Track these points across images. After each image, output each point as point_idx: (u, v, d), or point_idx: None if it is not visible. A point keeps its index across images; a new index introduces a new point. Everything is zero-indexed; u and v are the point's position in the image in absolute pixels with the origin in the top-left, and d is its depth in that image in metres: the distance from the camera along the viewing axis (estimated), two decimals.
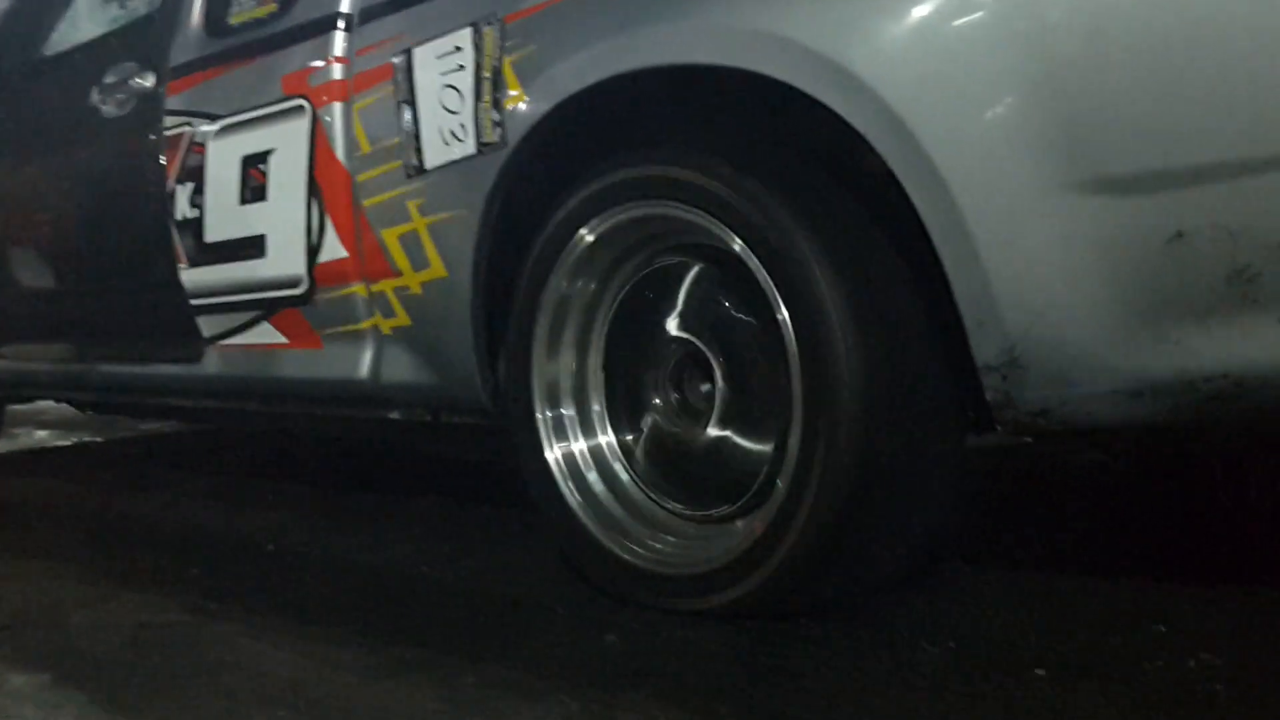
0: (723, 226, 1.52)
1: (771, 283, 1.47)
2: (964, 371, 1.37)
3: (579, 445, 1.76)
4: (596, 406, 1.77)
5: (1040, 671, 1.32)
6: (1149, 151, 1.20)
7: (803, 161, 1.53)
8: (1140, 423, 1.30)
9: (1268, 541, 1.88)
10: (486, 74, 1.75)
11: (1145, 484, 2.38)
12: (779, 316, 1.47)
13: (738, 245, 1.51)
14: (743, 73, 1.45)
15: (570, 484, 1.74)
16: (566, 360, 1.77)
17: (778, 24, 1.42)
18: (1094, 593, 1.63)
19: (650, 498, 1.71)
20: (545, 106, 1.68)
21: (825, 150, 1.49)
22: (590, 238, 1.69)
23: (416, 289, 1.92)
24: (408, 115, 1.89)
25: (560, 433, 1.77)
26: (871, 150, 1.35)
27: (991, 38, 1.27)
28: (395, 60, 1.91)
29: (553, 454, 1.76)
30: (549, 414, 1.77)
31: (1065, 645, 1.41)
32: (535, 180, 1.77)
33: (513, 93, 1.73)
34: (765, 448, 1.56)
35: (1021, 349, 1.30)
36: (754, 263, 1.49)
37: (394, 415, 2.11)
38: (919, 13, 1.32)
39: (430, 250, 1.88)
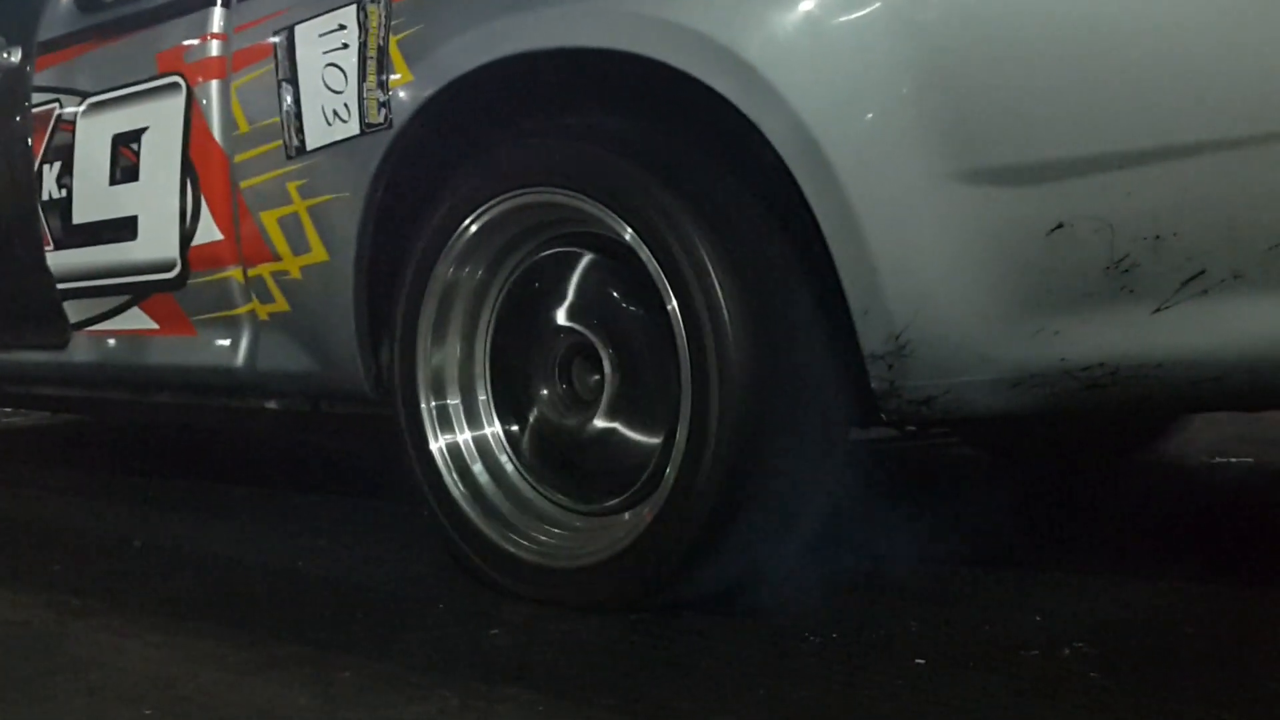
0: (613, 215, 1.51)
1: (661, 273, 1.46)
2: (851, 362, 1.38)
3: (464, 436, 1.73)
4: (483, 396, 1.74)
5: (920, 661, 1.33)
6: (1031, 143, 1.22)
7: (695, 150, 1.52)
8: (1020, 411, 1.32)
9: (1138, 532, 1.93)
10: (371, 53, 1.71)
11: (1016, 476, 2.44)
12: (669, 307, 1.46)
13: (628, 235, 1.50)
14: (635, 58, 1.44)
15: (455, 475, 1.70)
16: (453, 349, 1.73)
17: (671, 9, 1.41)
18: (972, 584, 1.65)
19: (536, 490, 1.69)
20: (432, 88, 1.64)
21: (718, 138, 1.48)
22: (478, 224, 1.66)
23: (296, 274, 1.87)
24: (289, 94, 1.83)
25: (445, 423, 1.73)
26: (763, 138, 1.35)
27: (881, 28, 1.28)
28: (276, 38, 1.86)
29: (437, 445, 1.72)
30: (434, 404, 1.73)
31: (944, 635, 1.43)
32: (423, 163, 1.73)
33: (398, 74, 1.68)
34: (653, 439, 1.55)
35: (907, 338, 1.31)
36: (644, 253, 1.48)
37: (271, 405, 2.06)
38: (811, 1, 1.32)
39: (311, 233, 1.83)
